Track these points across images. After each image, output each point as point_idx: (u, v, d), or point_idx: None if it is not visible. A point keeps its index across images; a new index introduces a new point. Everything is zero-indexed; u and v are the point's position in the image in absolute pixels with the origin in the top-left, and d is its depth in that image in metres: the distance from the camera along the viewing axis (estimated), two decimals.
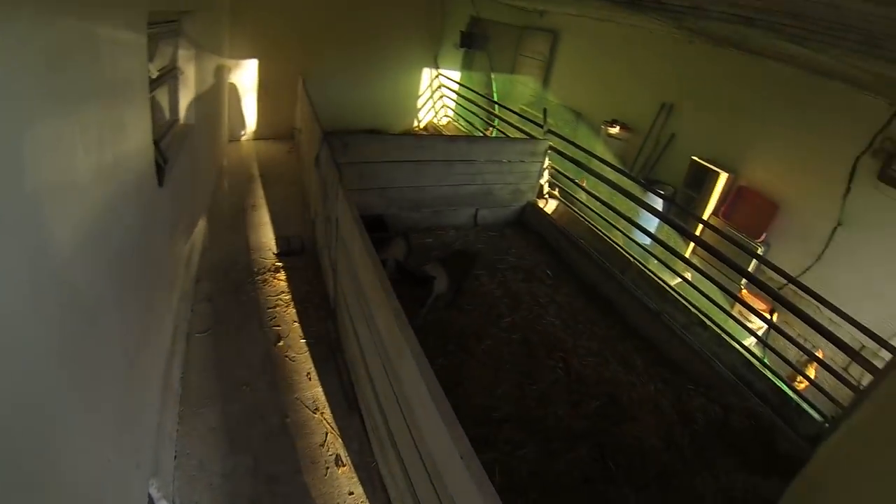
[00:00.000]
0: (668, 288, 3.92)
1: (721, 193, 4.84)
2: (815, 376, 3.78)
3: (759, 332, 3.94)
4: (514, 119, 6.85)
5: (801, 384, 3.80)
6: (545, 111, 5.00)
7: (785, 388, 3.18)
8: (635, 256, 4.32)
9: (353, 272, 2.44)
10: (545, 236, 4.99)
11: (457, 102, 8.36)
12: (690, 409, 3.01)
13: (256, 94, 6.68)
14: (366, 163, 4.27)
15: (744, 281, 4.31)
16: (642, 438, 2.70)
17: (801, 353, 3.40)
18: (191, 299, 3.24)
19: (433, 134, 7.62)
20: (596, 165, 4.89)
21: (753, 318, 3.94)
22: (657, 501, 2.45)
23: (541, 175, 5.23)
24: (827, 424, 2.91)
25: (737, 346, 3.44)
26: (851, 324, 2.74)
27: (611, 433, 2.73)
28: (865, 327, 2.69)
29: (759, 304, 4.13)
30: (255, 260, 3.88)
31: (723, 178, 4.76)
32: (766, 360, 3.37)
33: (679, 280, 3.92)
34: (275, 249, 4.08)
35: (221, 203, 4.77)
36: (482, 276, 4.07)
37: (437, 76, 8.08)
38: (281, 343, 3.04)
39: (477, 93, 7.62)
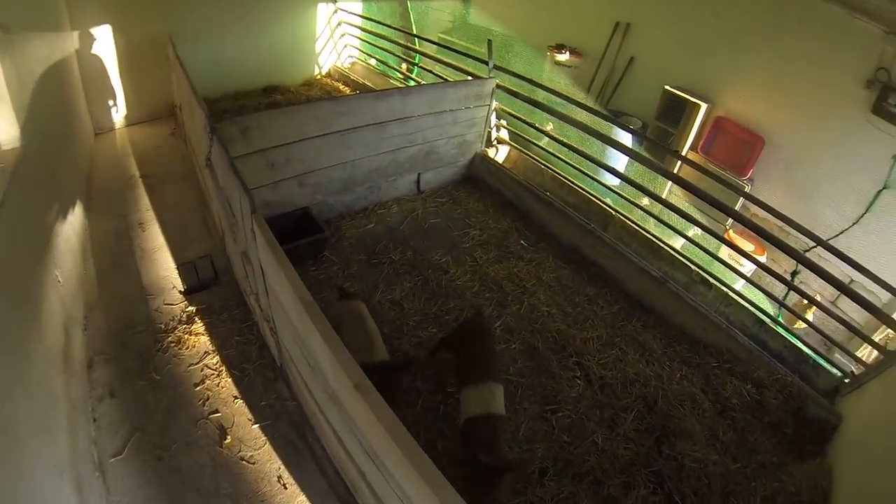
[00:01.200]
0: (660, 244, 3.51)
1: (699, 127, 4.33)
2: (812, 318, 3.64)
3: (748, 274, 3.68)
4: (433, 50, 5.84)
5: (799, 326, 3.67)
6: (489, 43, 4.13)
7: (800, 344, 2.98)
8: (615, 208, 3.83)
9: (311, 358, 1.67)
10: (504, 193, 4.32)
11: (362, 40, 7.08)
12: (724, 395, 2.71)
13: (118, 70, 5.06)
14: (276, 147, 3.25)
15: (729, 221, 4.00)
16: (698, 457, 2.34)
17: (797, 295, 3.21)
18: (88, 406, 2.28)
19: (356, 93, 6.33)
20: (547, 99, 4.18)
21: (743, 260, 3.66)
22: None
23: (488, 120, 4.46)
24: (846, 380, 2.81)
25: (744, 302, 3.16)
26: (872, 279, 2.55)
27: (661, 454, 2.36)
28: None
29: (746, 245, 3.85)
30: (158, 311, 2.86)
31: (702, 109, 4.23)
32: (780, 318, 3.10)
33: (684, 242, 3.50)
34: (180, 287, 3.08)
35: (96, 230, 3.55)
36: (447, 264, 3.38)
37: (335, 12, 6.71)
38: (228, 439, 2.23)
39: (388, 26, 6.42)
